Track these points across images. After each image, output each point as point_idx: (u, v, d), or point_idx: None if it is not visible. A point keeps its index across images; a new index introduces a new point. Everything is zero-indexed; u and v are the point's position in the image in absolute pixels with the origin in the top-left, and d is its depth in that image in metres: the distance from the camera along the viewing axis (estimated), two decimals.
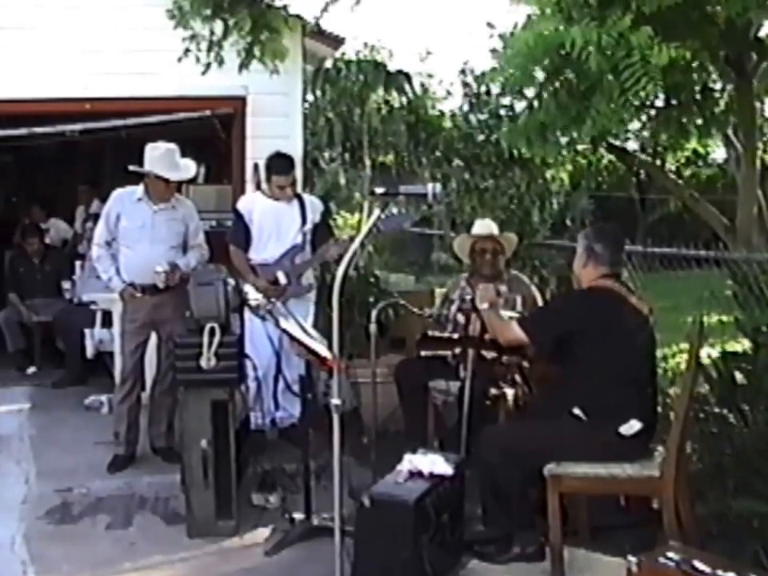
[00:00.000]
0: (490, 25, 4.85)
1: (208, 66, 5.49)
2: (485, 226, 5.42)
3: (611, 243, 3.94)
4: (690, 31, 4.32)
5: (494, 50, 4.68)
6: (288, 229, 5.54)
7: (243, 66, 5.58)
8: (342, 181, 10.87)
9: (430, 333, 5.06)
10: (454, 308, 5.25)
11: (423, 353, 5.11)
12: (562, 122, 4.46)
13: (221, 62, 5.50)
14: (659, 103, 5.80)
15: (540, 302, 5.22)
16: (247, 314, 5.29)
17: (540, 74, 4.53)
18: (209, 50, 5.45)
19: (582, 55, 3.91)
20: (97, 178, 9.38)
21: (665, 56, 3.82)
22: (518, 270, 5.72)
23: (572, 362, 3.80)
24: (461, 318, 5.05)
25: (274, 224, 5.53)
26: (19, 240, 8.28)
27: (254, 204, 5.61)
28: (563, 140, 4.86)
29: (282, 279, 5.43)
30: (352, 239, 5.64)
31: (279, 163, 5.54)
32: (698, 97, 5.43)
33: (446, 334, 5.13)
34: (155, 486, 4.88)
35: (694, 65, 4.84)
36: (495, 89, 8.12)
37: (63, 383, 7.03)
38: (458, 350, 4.90)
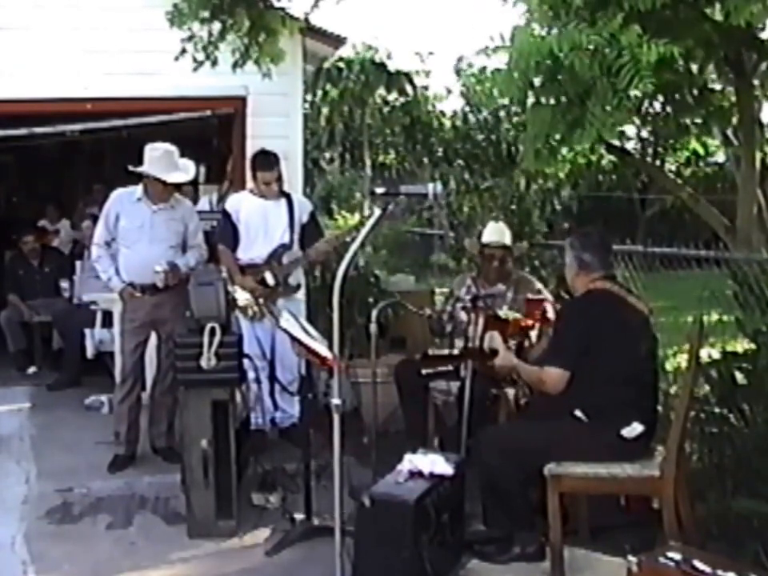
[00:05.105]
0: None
1: (200, 63, 5.50)
2: (497, 232, 5.36)
3: (598, 248, 3.95)
4: (683, 29, 4.31)
5: (485, 49, 4.64)
6: (275, 227, 5.53)
7: (236, 65, 5.60)
8: (342, 180, 10.87)
9: (430, 352, 5.10)
10: (459, 306, 5.26)
11: (425, 371, 5.10)
12: (558, 131, 4.44)
13: (214, 62, 5.52)
14: (657, 104, 5.80)
15: (549, 299, 5.21)
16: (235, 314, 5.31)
17: (536, 80, 4.52)
18: (205, 49, 5.47)
19: (572, 60, 3.90)
20: (99, 178, 9.39)
21: (653, 53, 3.81)
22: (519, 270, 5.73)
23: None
24: (463, 316, 5.06)
25: (261, 222, 5.52)
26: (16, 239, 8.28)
27: (240, 203, 5.61)
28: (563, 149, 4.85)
29: (270, 280, 5.42)
30: (337, 238, 5.68)
31: (262, 159, 5.54)
32: (694, 93, 5.42)
33: (447, 351, 5.15)
34: (155, 486, 4.89)
35: (688, 62, 4.83)
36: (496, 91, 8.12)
37: (59, 385, 7.02)
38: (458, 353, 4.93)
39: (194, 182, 7.55)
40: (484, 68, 5.20)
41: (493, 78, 4.41)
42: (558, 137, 4.49)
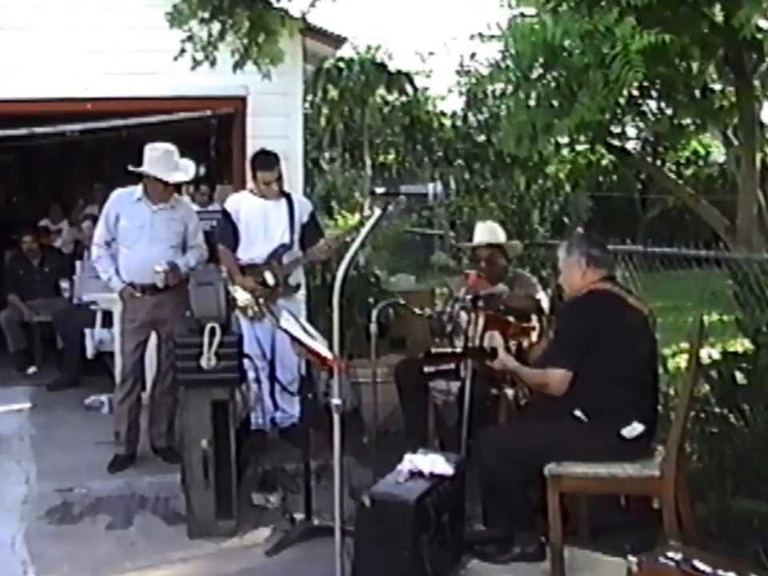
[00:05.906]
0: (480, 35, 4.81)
1: (199, 63, 5.51)
2: (486, 232, 5.36)
3: (603, 246, 4.01)
4: (680, 26, 4.32)
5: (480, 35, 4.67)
6: (275, 227, 5.52)
7: (237, 66, 5.61)
8: (342, 180, 10.85)
9: (433, 350, 5.09)
10: (457, 306, 5.25)
11: (427, 369, 5.09)
12: (545, 119, 4.45)
13: (213, 62, 5.53)
14: (656, 104, 5.81)
15: (544, 297, 5.22)
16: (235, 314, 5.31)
17: (536, 72, 4.53)
18: (204, 50, 5.48)
19: (567, 48, 3.92)
20: (99, 178, 9.39)
21: (644, 41, 3.83)
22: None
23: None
24: (463, 316, 5.06)
25: (261, 222, 5.52)
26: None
27: (241, 203, 5.61)
28: (555, 138, 4.86)
29: (270, 280, 5.42)
30: (338, 238, 5.68)
31: (263, 159, 5.54)
32: (694, 93, 5.43)
33: (449, 350, 5.14)
34: (155, 486, 4.88)
35: (684, 58, 4.84)
36: (497, 90, 8.13)
37: (59, 385, 7.02)
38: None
39: (212, 183, 7.57)
40: (474, 54, 5.22)
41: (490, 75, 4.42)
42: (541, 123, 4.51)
